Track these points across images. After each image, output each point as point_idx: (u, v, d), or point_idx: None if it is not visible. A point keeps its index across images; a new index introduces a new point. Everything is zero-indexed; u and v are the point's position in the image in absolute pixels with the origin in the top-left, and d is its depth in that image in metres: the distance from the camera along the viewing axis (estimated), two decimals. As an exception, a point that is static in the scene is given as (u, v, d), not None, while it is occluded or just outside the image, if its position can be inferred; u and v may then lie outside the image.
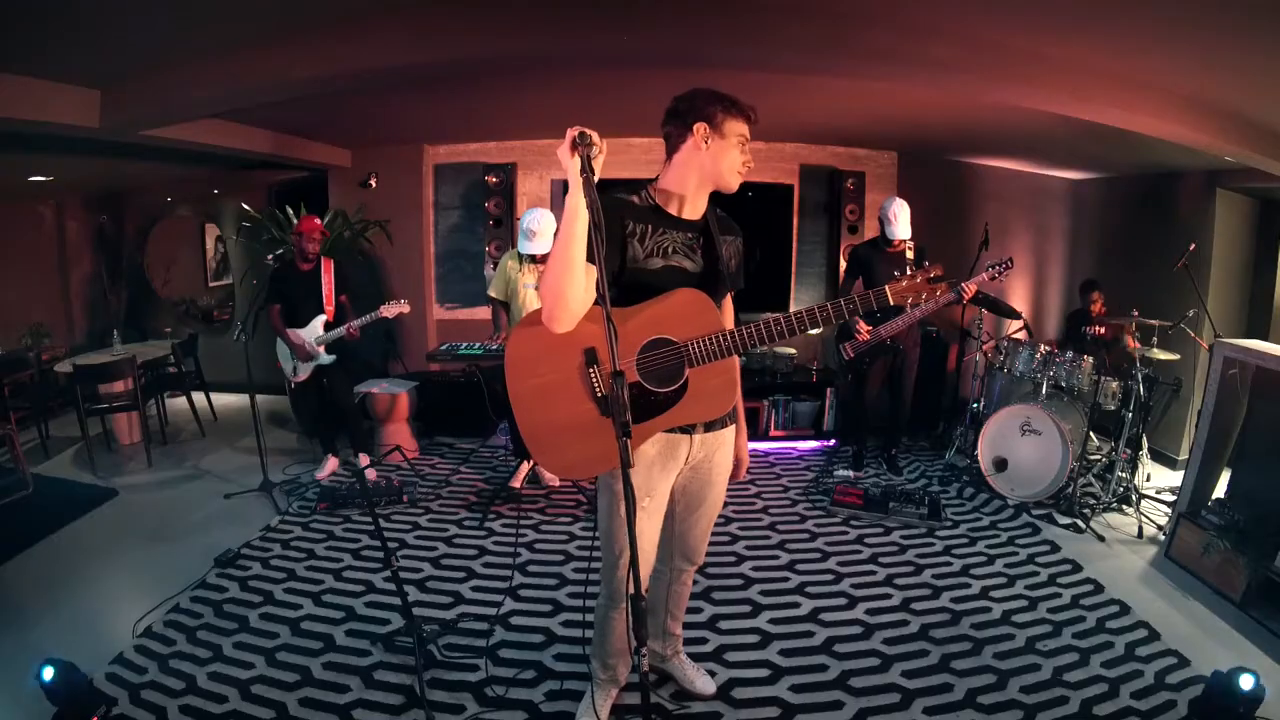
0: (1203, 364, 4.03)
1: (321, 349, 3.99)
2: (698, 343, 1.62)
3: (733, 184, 1.70)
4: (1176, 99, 2.90)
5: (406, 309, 3.93)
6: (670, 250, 1.70)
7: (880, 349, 3.99)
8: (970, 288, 3.68)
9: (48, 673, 1.97)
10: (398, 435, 4.63)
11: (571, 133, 1.43)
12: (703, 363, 1.64)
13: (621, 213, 1.67)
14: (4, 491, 3.76)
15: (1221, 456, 3.33)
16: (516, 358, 1.73)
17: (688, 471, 1.87)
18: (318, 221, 4.06)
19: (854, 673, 2.37)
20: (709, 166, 1.68)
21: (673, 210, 1.72)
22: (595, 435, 1.69)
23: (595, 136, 1.42)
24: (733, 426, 1.92)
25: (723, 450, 1.89)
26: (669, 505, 1.89)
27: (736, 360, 1.74)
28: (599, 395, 1.66)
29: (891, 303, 1.65)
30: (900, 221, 3.89)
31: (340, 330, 3.93)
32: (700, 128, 1.65)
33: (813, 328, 1.62)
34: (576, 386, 1.68)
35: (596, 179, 1.41)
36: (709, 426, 1.81)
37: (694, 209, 1.74)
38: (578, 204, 1.48)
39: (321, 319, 4.02)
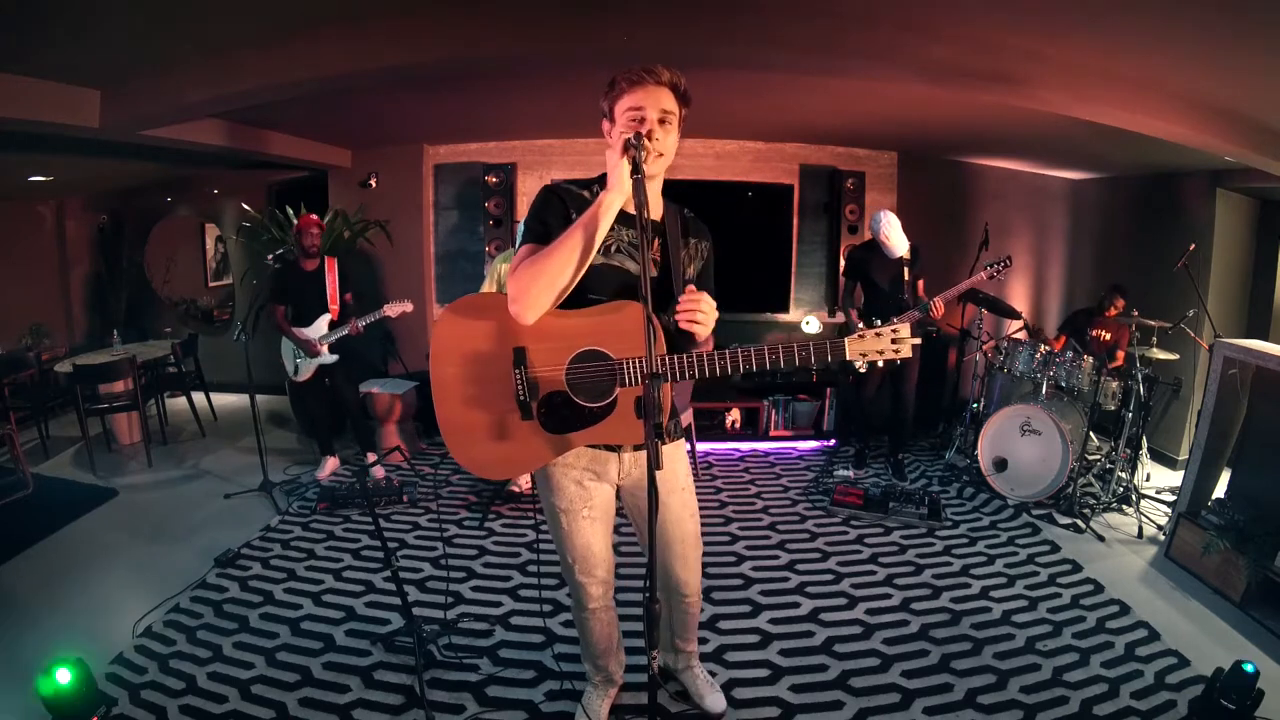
0: (1203, 364, 4.03)
1: (325, 348, 4.01)
2: (633, 362, 1.54)
3: (647, 169, 1.46)
4: (1176, 99, 2.90)
5: (410, 308, 3.97)
6: (613, 249, 1.61)
7: None
8: (938, 304, 3.73)
9: (63, 675, 1.95)
10: (398, 435, 4.63)
11: (626, 135, 1.43)
12: (635, 384, 1.56)
13: (568, 205, 1.61)
14: (4, 491, 3.76)
15: (1221, 456, 3.33)
16: (444, 342, 1.67)
17: (629, 494, 1.83)
18: (314, 217, 4.09)
19: (854, 673, 2.37)
20: (609, 151, 1.55)
21: (626, 206, 1.53)
22: (512, 438, 1.66)
23: (646, 140, 1.43)
24: (672, 444, 1.82)
25: (664, 465, 1.82)
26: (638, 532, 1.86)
27: (666, 389, 1.58)
28: (521, 398, 1.62)
29: (848, 357, 1.52)
30: (894, 239, 3.88)
31: (344, 328, 3.95)
32: (604, 123, 1.60)
33: (759, 369, 1.53)
34: (500, 385, 1.63)
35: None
36: (637, 445, 1.73)
37: (650, 206, 1.55)
38: (611, 202, 1.47)
39: (326, 318, 4.04)
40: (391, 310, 3.91)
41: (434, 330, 1.69)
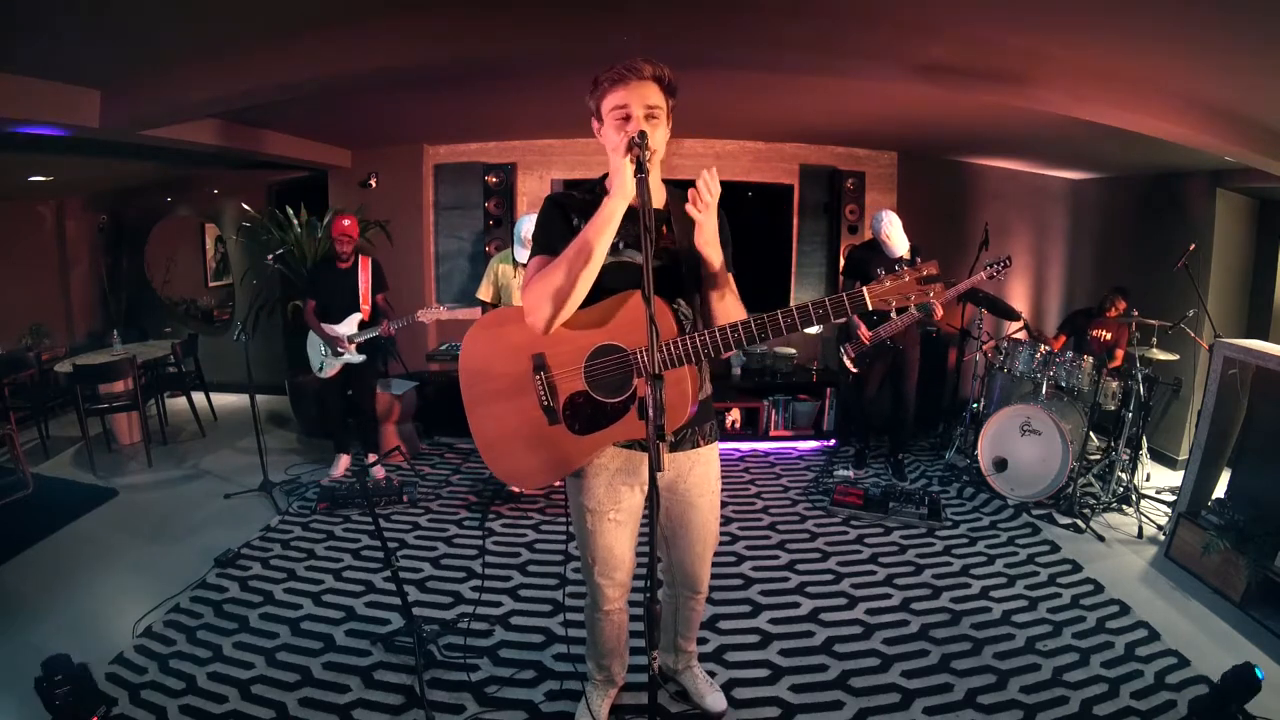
0: (1203, 364, 4.03)
1: (352, 347, 4.00)
2: (645, 352, 1.47)
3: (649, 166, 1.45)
4: (1176, 99, 2.90)
5: (444, 315, 3.94)
6: (621, 246, 1.60)
7: (880, 349, 3.99)
8: (938, 304, 3.69)
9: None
10: (397, 435, 4.63)
11: (630, 134, 1.42)
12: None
13: (569, 211, 1.62)
14: (4, 491, 3.75)
15: (1221, 456, 3.33)
16: (472, 360, 1.71)
17: (663, 494, 1.79)
18: (346, 223, 4.00)
19: (854, 673, 2.37)
20: (609, 152, 1.57)
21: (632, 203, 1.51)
22: (544, 445, 1.66)
23: (650, 140, 1.43)
24: (708, 447, 1.81)
25: (698, 470, 1.80)
26: (659, 531, 1.85)
27: (689, 371, 1.54)
28: (545, 404, 1.63)
29: (870, 306, 1.42)
30: (895, 238, 3.85)
31: (375, 329, 3.95)
32: (594, 123, 1.59)
33: (774, 334, 1.46)
34: (527, 395, 1.65)
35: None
36: (674, 446, 1.73)
37: (651, 197, 1.59)
38: (615, 209, 1.47)
39: (356, 317, 4.03)
40: (425, 316, 3.88)
41: (462, 350, 1.71)
